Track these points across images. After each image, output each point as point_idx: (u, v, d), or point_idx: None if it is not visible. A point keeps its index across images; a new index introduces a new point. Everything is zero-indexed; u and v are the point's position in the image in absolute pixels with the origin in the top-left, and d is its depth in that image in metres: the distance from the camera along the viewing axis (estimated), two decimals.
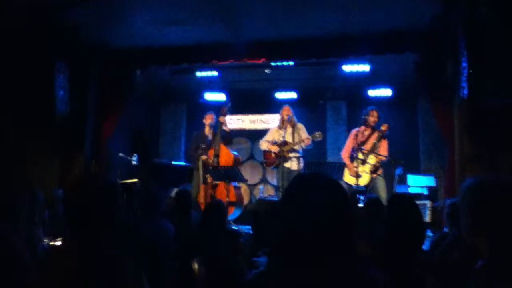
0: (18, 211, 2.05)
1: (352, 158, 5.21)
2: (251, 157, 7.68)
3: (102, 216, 1.55)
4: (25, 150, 4.85)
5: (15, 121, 4.87)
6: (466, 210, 1.36)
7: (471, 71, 4.00)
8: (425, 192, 5.28)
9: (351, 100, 7.45)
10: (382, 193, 4.97)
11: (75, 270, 1.43)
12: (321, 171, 1.33)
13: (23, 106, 4.93)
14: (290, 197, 1.22)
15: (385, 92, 6.95)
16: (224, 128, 5.73)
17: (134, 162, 5.87)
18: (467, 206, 1.37)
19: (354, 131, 5.41)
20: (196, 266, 2.91)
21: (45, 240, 2.53)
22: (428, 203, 4.90)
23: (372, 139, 5.26)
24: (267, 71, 6.60)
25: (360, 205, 3.81)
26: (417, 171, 6.09)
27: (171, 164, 6.30)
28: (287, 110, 5.67)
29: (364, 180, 5.11)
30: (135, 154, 5.87)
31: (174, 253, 3.06)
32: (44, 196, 2.52)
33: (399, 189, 5.36)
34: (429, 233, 3.96)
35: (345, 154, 5.42)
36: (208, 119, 5.91)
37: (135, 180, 5.35)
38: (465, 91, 4.01)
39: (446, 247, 2.20)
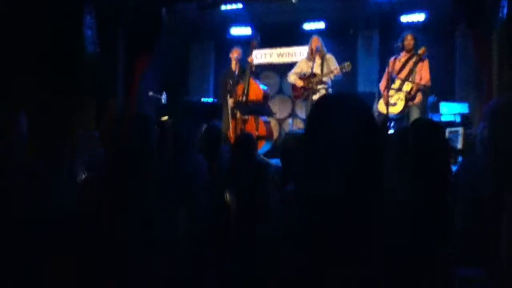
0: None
1: (389, 86, 5.09)
2: (280, 91, 7.63)
3: (137, 152, 1.62)
4: (61, 94, 4.96)
5: (48, 64, 4.96)
6: (489, 136, 1.29)
7: None
8: (458, 119, 5.13)
9: (384, 29, 7.10)
10: None
11: (108, 200, 1.52)
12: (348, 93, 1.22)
13: (55, 48, 4.99)
14: (313, 125, 1.12)
15: (419, 17, 6.59)
16: (252, 63, 5.67)
17: (163, 101, 5.95)
18: (490, 131, 1.30)
19: (391, 60, 5.24)
20: (228, 197, 3.02)
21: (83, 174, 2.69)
22: (460, 129, 4.78)
23: (409, 65, 5.08)
24: (294, 1, 6.35)
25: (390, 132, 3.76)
26: (452, 100, 5.90)
27: (200, 101, 6.37)
28: (316, 41, 5.52)
29: (398, 108, 5.01)
30: (164, 93, 5.94)
31: (207, 186, 3.17)
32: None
33: (431, 117, 5.25)
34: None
35: (382, 84, 5.27)
36: (235, 53, 5.84)
37: (166, 118, 5.46)
38: (505, 10, 3.76)
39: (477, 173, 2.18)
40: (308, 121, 1.15)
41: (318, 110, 1.13)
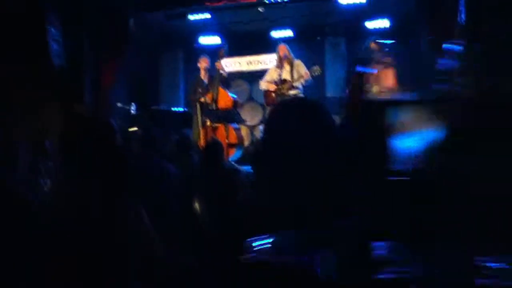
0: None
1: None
2: (250, 98, 7.63)
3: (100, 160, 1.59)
4: (26, 104, 4.81)
5: (11, 74, 4.80)
6: None
7: None
8: None
9: (350, 35, 7.23)
10: None
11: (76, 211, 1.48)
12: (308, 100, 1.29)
13: (18, 60, 4.84)
14: (271, 130, 1.17)
15: (384, 23, 6.72)
16: (221, 72, 5.67)
17: (132, 111, 5.87)
18: None
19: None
20: (197, 204, 2.98)
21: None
22: None
23: (375, 72, 5.17)
24: (260, 9, 6.39)
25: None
26: None
27: (170, 110, 6.31)
28: (283, 48, 5.59)
29: None
30: (133, 103, 5.86)
31: (178, 195, 3.13)
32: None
33: None
34: None
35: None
36: (203, 62, 5.84)
37: (135, 128, 5.37)
38: (463, 15, 3.86)
39: None
40: (266, 125, 1.19)
41: (275, 115, 1.17)
